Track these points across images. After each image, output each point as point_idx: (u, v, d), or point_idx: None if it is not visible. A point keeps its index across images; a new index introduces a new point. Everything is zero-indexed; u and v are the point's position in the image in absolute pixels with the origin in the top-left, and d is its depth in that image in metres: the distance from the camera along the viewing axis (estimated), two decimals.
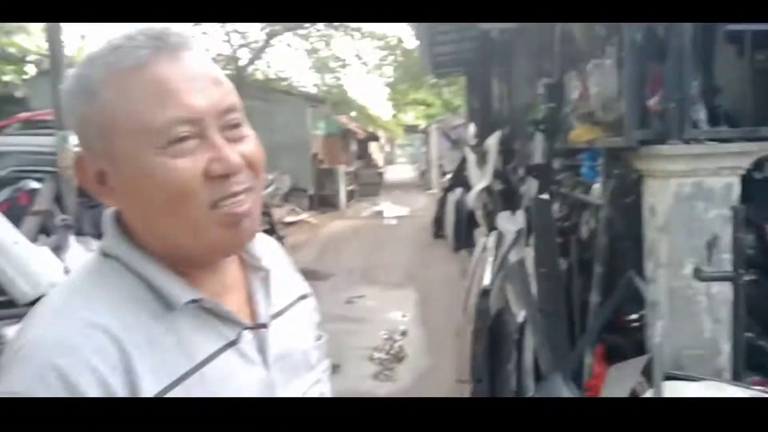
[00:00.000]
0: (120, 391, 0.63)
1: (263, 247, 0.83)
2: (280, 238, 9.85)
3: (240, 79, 14.98)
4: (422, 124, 23.95)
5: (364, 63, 16.56)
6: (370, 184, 20.21)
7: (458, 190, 9.52)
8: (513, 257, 3.55)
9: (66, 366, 0.61)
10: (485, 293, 3.39)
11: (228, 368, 0.72)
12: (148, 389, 0.65)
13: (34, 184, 5.30)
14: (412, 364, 4.71)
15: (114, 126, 0.66)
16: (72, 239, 4.99)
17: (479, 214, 5.47)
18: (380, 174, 22.26)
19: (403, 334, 5.46)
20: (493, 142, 5.25)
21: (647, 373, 2.11)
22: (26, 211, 5.20)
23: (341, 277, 7.93)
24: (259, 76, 15.68)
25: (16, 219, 5.13)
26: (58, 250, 4.90)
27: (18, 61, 13.90)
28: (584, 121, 2.64)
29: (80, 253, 4.99)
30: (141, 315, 0.67)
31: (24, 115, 6.03)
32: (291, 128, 15.11)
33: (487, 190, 5.20)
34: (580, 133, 2.62)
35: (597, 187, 2.62)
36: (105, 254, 0.72)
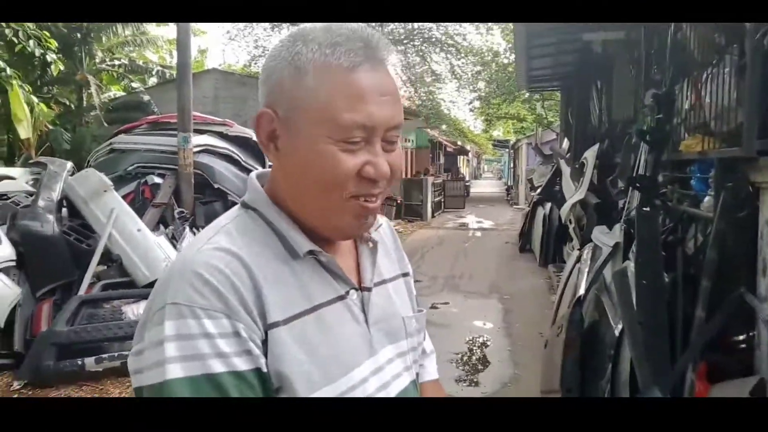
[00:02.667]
0: (254, 309, 0.74)
1: (375, 224, 0.93)
2: None
3: None
4: (512, 139, 23.54)
5: (457, 78, 16.61)
6: (456, 197, 20.16)
7: (547, 205, 9.32)
8: (609, 270, 3.47)
9: (215, 281, 0.72)
10: (578, 303, 3.34)
11: (338, 317, 0.83)
12: (275, 316, 0.75)
13: (156, 179, 5.88)
14: (496, 372, 4.69)
15: (306, 106, 0.77)
16: (187, 230, 5.49)
17: (572, 228, 5.36)
18: (467, 187, 22.14)
19: (486, 342, 5.44)
20: (590, 155, 5.14)
21: (754, 395, 2.02)
22: (148, 203, 5.79)
23: (426, 284, 8.02)
24: None
25: (139, 210, 5.73)
26: (174, 239, 5.42)
27: (144, 71, 15.36)
28: (696, 132, 2.57)
29: None
30: (270, 257, 0.80)
31: (150, 118, 6.67)
32: None
33: (582, 203, 5.09)
34: (691, 144, 2.55)
35: (708, 199, 2.53)
36: (246, 206, 0.85)
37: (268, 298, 0.75)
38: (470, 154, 31.75)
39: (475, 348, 5.32)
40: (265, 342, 0.75)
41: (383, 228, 1.04)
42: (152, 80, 16.82)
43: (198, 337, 0.69)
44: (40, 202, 5.13)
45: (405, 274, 1.07)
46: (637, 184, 3.19)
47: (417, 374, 1.01)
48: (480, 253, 10.74)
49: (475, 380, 4.54)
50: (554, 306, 4.24)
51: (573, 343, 3.19)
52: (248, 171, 6.44)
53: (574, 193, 5.40)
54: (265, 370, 0.74)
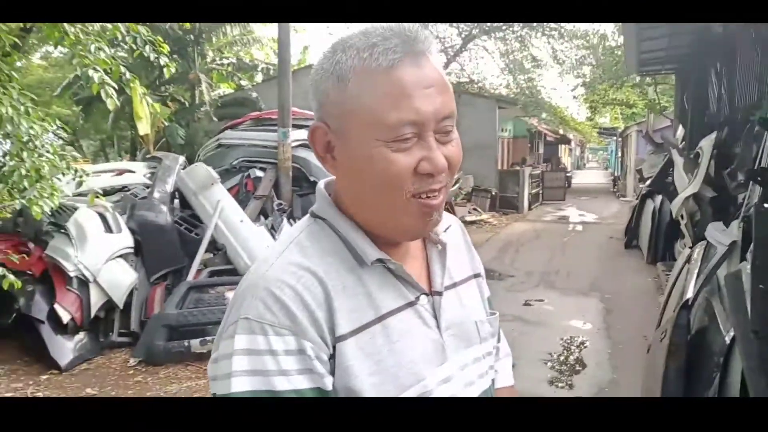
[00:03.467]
0: (323, 324, 0.74)
1: (444, 224, 0.91)
2: None
3: None
4: (620, 126, 22.09)
5: (560, 63, 15.83)
6: (555, 188, 19.31)
7: (658, 198, 8.64)
8: (723, 271, 3.15)
9: (285, 298, 0.74)
10: (685, 307, 3.07)
11: (407, 325, 0.82)
12: (343, 329, 0.76)
13: (258, 173, 6.22)
14: (592, 375, 4.45)
15: (353, 112, 0.76)
16: (285, 221, 5.76)
17: (684, 224, 4.92)
18: (567, 178, 21.11)
19: (584, 343, 5.18)
20: (706, 144, 4.68)
21: None
22: (251, 196, 6.14)
23: (520, 279, 7.78)
24: (452, 79, 16.02)
25: (242, 202, 6.10)
26: (273, 229, 5.70)
27: (251, 69, 16.27)
28: None
29: None
30: (340, 266, 0.80)
31: (254, 114, 7.06)
32: (478, 130, 15.17)
33: (696, 197, 4.66)
34: None
35: None
36: (315, 216, 0.86)
37: (338, 310, 0.76)
38: (572, 143, 30.23)
39: (572, 348, 5.08)
40: (333, 357, 0.75)
41: (453, 229, 1.00)
42: (257, 77, 17.78)
43: (264, 353, 0.72)
44: (156, 194, 5.61)
45: (477, 275, 1.03)
46: (759, 178, 2.86)
47: (492, 380, 0.97)
48: (580, 249, 10.23)
49: (570, 382, 4.34)
50: (660, 308, 3.93)
51: (678, 350, 2.94)
52: None
53: (687, 185, 4.95)
54: (328, 388, 0.74)
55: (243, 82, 16.01)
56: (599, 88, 17.73)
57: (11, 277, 3.15)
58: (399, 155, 0.75)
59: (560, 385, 4.28)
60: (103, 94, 3.25)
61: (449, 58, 15.60)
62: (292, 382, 0.72)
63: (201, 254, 5.15)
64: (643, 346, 4.89)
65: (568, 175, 24.09)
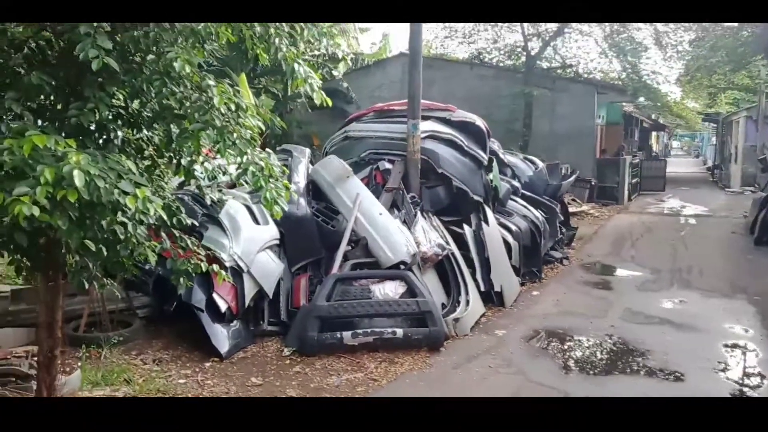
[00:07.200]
0: None
1: None
2: (572, 229, 9.58)
3: (529, 68, 14.98)
4: (724, 112, 20.49)
5: (662, 47, 14.82)
6: (654, 177, 18.21)
7: None
8: None
9: None
10: None
11: None
12: None
13: (387, 165, 6.14)
14: None
15: None
16: (419, 215, 5.65)
17: None
18: (664, 166, 19.83)
19: (753, 351, 4.75)
20: None
21: None
22: (380, 188, 6.07)
23: (648, 277, 7.32)
24: (546, 64, 15.42)
25: (372, 194, 6.03)
26: (405, 223, 5.60)
27: (340, 60, 16.33)
28: None
29: (426, 226, 5.62)
30: None
31: (377, 106, 6.98)
32: (575, 116, 14.52)
33: None
34: None
35: None
36: None
37: None
38: (665, 130, 28.47)
39: (740, 356, 4.67)
40: None
41: None
42: (340, 66, 17.83)
43: None
44: (292, 187, 5.64)
45: None
46: None
47: None
48: (703, 244, 9.53)
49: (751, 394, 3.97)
50: None
51: None
52: (470, 155, 6.40)
53: None
54: None
55: (334, 73, 16.10)
56: (719, 72, 16.41)
57: (204, 265, 3.21)
58: None
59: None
60: (308, 89, 3.24)
61: (545, 41, 14.99)
62: None
63: (344, 246, 5.14)
64: None
65: (666, 163, 22.66)
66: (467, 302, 5.29)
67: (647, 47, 14.77)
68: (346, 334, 4.57)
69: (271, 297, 4.94)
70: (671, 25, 14.76)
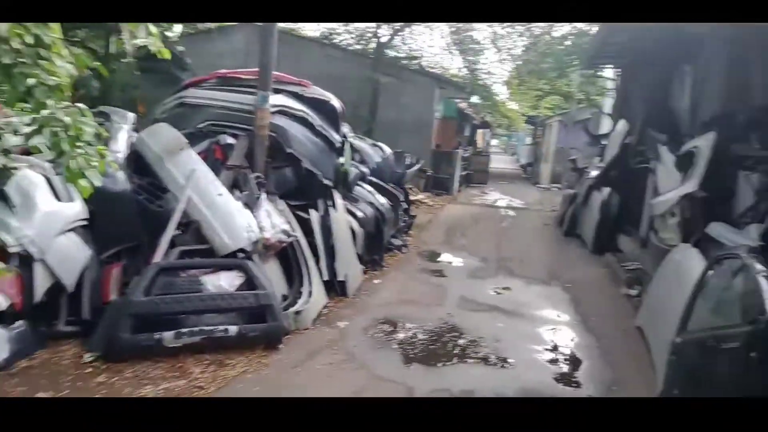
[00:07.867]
0: None
1: None
2: (411, 217, 9.81)
3: (378, 55, 15.02)
4: (542, 115, 22.95)
5: (498, 49, 15.97)
6: (480, 171, 19.75)
7: (605, 190, 8.98)
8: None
9: None
10: (690, 307, 3.06)
11: None
12: None
13: (229, 140, 5.48)
14: (593, 373, 4.43)
15: None
16: (264, 197, 5.13)
17: (674, 221, 5.03)
18: (489, 162, 21.66)
19: (571, 338, 5.18)
20: (705, 144, 4.76)
21: None
22: (219, 165, 5.40)
23: (479, 265, 7.74)
24: (394, 53, 15.62)
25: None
26: (249, 206, 5.05)
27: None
28: None
29: (271, 210, 5.12)
30: None
31: (220, 72, 6.21)
32: (416, 108, 15.00)
33: (690, 197, 4.76)
34: None
35: None
36: None
37: None
38: (490, 129, 31.10)
39: (561, 343, 5.05)
40: None
41: None
42: (176, 28, 16.12)
43: None
44: (109, 156, 4.75)
45: None
46: None
47: None
48: (523, 235, 10.44)
49: (575, 380, 4.27)
50: (684, 308, 3.81)
51: (684, 348, 2.91)
52: (322, 136, 6.03)
53: (679, 184, 5.05)
54: None
55: (168, 34, 14.47)
56: (546, 78, 18.13)
57: None
58: None
59: (567, 382, 4.21)
60: (142, 33, 2.62)
61: (395, 29, 15.17)
62: None
63: (171, 230, 4.44)
64: (629, 341, 4.99)
65: (489, 158, 24.70)
66: (309, 293, 4.97)
67: (485, 47, 15.75)
68: (168, 335, 3.93)
69: (71, 290, 4.08)
70: (508, 28, 15.94)
